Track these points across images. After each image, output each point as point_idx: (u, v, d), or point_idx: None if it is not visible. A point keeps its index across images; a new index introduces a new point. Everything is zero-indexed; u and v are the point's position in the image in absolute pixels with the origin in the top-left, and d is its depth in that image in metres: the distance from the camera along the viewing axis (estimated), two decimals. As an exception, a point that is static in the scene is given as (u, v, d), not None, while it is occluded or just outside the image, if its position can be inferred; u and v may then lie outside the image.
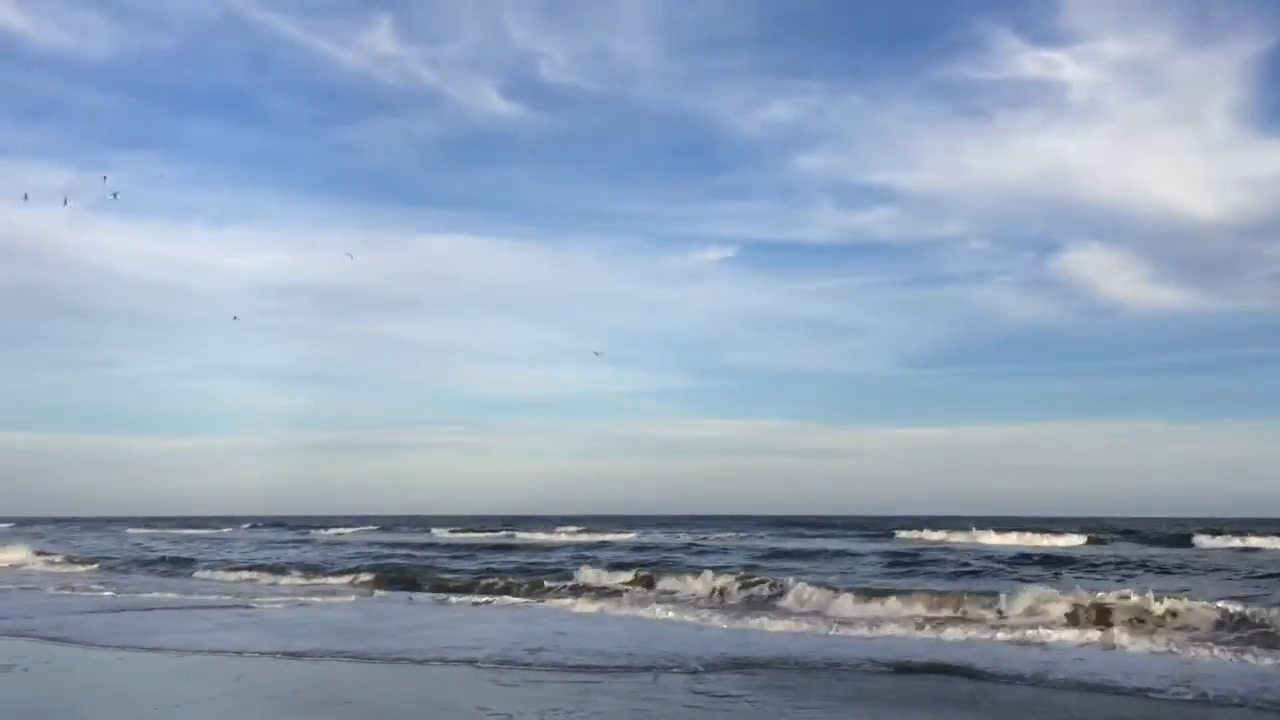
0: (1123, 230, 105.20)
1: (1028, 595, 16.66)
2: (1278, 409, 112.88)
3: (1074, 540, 43.88)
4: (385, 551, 39.36)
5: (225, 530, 74.08)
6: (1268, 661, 11.81)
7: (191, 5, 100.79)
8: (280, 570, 29.77)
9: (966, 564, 28.50)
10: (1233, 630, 14.20)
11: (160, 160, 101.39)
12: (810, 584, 19.85)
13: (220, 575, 28.96)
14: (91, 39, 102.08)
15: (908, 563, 29.15)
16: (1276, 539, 40.65)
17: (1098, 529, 51.98)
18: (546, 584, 23.24)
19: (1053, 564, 28.34)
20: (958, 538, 48.48)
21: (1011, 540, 45.90)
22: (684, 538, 51.21)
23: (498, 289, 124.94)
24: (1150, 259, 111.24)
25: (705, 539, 50.12)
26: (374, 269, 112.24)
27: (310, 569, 29.91)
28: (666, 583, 21.99)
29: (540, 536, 55.25)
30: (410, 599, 21.86)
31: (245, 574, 28.86)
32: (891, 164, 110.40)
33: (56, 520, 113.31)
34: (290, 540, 54.45)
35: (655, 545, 43.04)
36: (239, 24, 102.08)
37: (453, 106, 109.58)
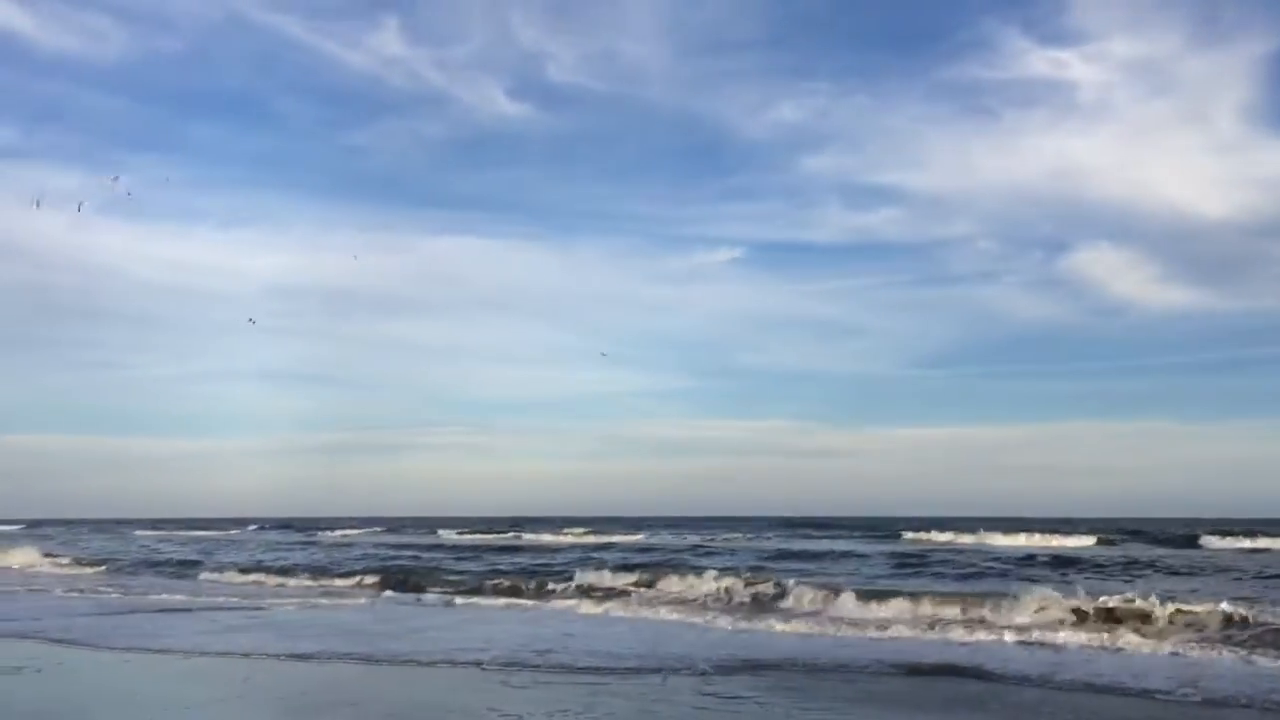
0: (1132, 230, 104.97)
1: (1035, 596, 16.64)
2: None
3: (1082, 541, 43.78)
4: (392, 553, 39.38)
5: (233, 532, 74.19)
6: (1276, 663, 11.79)
7: (198, 8, 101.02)
8: (287, 572, 29.85)
9: (973, 565, 28.46)
10: (1240, 631, 14.17)
11: (168, 163, 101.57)
12: (816, 585, 19.86)
13: (228, 577, 29.00)
14: (99, 42, 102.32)
15: (914, 564, 29.10)
16: (1285, 540, 40.54)
17: (1106, 530, 51.84)
18: (552, 585, 23.26)
19: (1060, 565, 28.27)
20: (965, 539, 48.41)
21: (1020, 541, 45.84)
22: (690, 539, 51.19)
23: (504, 290, 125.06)
24: (1159, 258, 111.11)
25: (712, 540, 50.12)
26: (381, 270, 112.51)
27: (317, 571, 29.96)
28: (672, 584, 21.97)
29: (546, 538, 55.27)
30: (417, 600, 21.89)
31: (252, 576, 28.92)
32: (899, 164, 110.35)
33: (65, 522, 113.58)
34: (297, 542, 54.52)
35: (661, 546, 43.04)
36: (246, 26, 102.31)
37: (460, 108, 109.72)
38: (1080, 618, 15.51)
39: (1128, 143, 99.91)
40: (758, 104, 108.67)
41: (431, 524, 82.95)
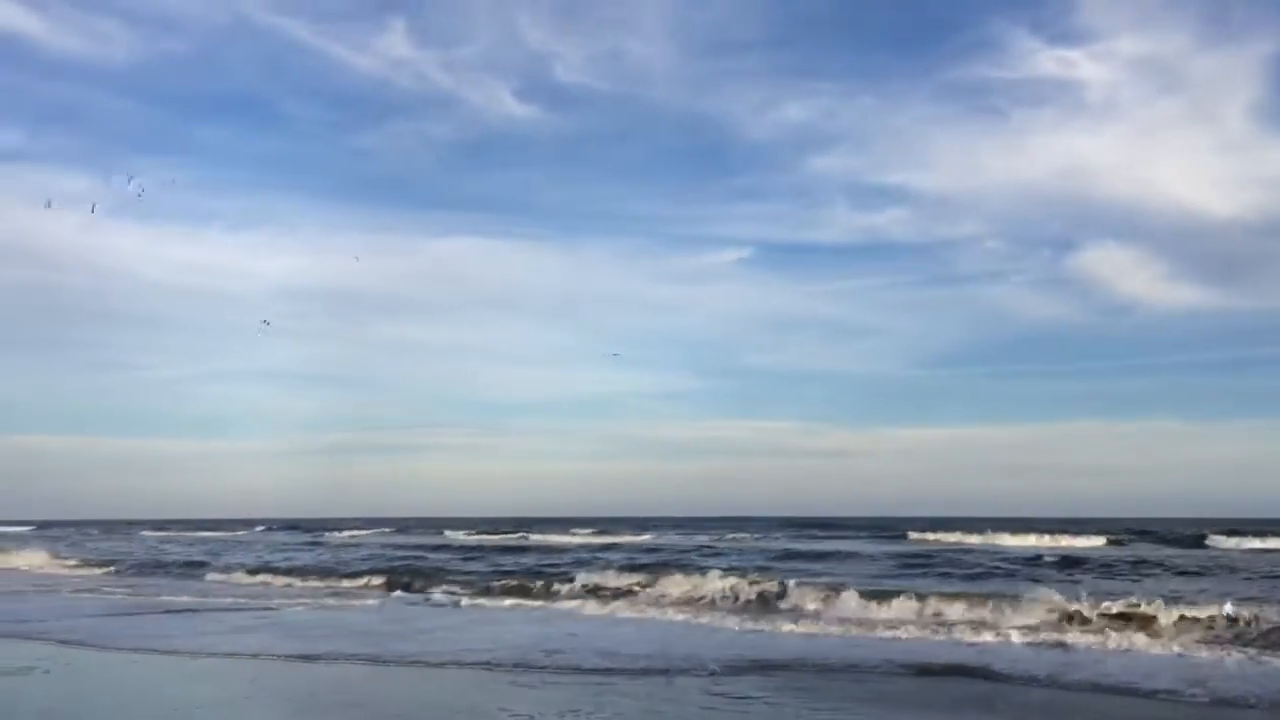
0: (1139, 229, 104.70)
1: (1043, 597, 16.60)
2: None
3: (1089, 541, 43.71)
4: (398, 554, 39.41)
5: (240, 533, 74.36)
6: (1286, 663, 11.75)
7: (206, 11, 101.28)
8: (294, 573, 29.88)
9: (980, 565, 28.44)
10: (1248, 631, 14.13)
11: (175, 165, 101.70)
12: (821, 586, 19.84)
13: (235, 578, 29.04)
14: (108, 45, 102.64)
15: (920, 564, 29.09)
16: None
17: (1113, 530, 51.74)
18: (559, 586, 23.27)
19: (1068, 565, 28.25)
20: (972, 539, 48.37)
21: (1028, 541, 45.78)
22: (697, 539, 51.20)
23: (511, 291, 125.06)
24: (1167, 257, 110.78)
25: (719, 540, 50.13)
26: (388, 271, 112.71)
27: (323, 572, 30.00)
28: (677, 584, 21.94)
29: (553, 538, 55.32)
30: (424, 601, 21.91)
31: (260, 577, 28.96)
32: (906, 164, 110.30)
33: (74, 523, 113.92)
34: (304, 543, 54.61)
35: (667, 546, 43.06)
36: (253, 29, 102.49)
37: (467, 109, 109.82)
38: (1087, 618, 15.46)
39: (1135, 142, 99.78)
40: (764, 104, 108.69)
41: (438, 525, 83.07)
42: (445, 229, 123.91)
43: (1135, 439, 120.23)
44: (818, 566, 28.94)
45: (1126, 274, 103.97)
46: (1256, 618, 14.40)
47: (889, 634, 14.88)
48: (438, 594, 22.99)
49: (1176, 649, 13.04)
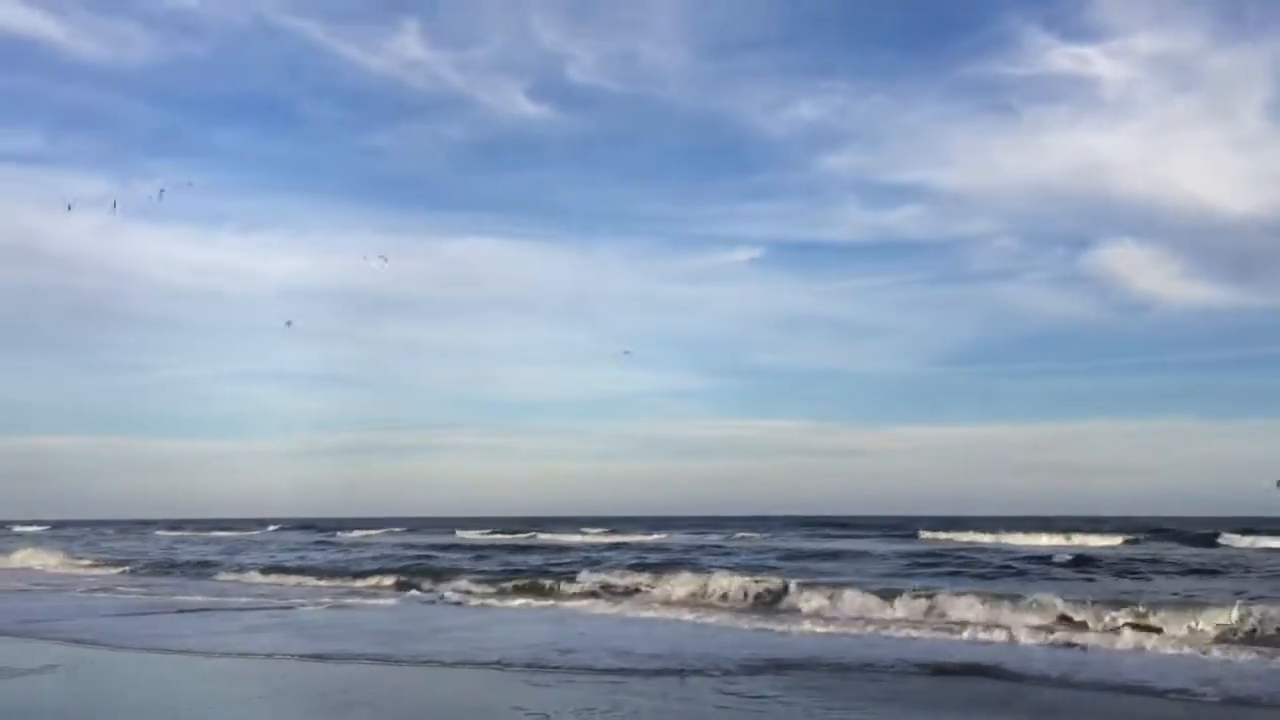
0: (1155, 226, 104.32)
1: (1055, 596, 16.58)
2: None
3: (1103, 540, 43.58)
4: (408, 553, 39.53)
5: (253, 533, 74.63)
6: (1298, 662, 11.72)
7: (224, 14, 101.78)
8: (306, 572, 30.00)
9: (990, 564, 28.41)
10: (1261, 631, 14.08)
11: (191, 167, 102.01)
12: (829, 585, 19.83)
13: (248, 577, 29.13)
14: (126, 48, 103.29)
15: (932, 564, 29.05)
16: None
17: (1127, 528, 51.49)
18: (569, 585, 23.30)
19: (1080, 564, 28.17)
20: (984, 538, 48.27)
21: (1040, 540, 45.66)
22: (709, 538, 51.23)
23: (524, 291, 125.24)
24: (1183, 255, 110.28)
25: (729, 540, 50.14)
26: (401, 272, 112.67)
27: (333, 572, 30.05)
28: (685, 583, 21.96)
29: (563, 538, 55.38)
30: (434, 600, 21.97)
31: (272, 577, 29.06)
32: (919, 162, 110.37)
33: (89, 523, 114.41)
34: (315, 542, 54.79)
35: (677, 546, 43.08)
36: (270, 31, 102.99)
37: (480, 109, 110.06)
38: (1099, 618, 15.42)
39: (1151, 139, 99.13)
40: (776, 103, 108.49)
41: (450, 524, 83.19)
42: (458, 229, 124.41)
43: (1151, 437, 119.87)
44: (828, 566, 28.93)
45: (1142, 272, 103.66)
46: (1269, 617, 14.31)
47: (901, 633, 14.89)
48: (447, 593, 23.05)
49: (1189, 648, 13.02)
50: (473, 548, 44.05)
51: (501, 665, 11.90)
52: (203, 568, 33.34)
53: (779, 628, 15.82)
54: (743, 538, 52.95)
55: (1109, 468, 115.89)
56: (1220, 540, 42.73)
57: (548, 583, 24.01)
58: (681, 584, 21.91)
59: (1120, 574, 25.52)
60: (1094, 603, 16.14)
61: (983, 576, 24.48)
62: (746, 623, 16.54)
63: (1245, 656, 12.32)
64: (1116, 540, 43.71)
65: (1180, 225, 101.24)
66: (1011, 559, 30.74)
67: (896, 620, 16.29)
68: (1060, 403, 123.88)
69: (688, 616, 17.62)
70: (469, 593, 23.02)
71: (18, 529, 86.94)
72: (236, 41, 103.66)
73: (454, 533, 66.97)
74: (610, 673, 11.30)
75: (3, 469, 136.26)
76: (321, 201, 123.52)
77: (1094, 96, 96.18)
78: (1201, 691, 9.97)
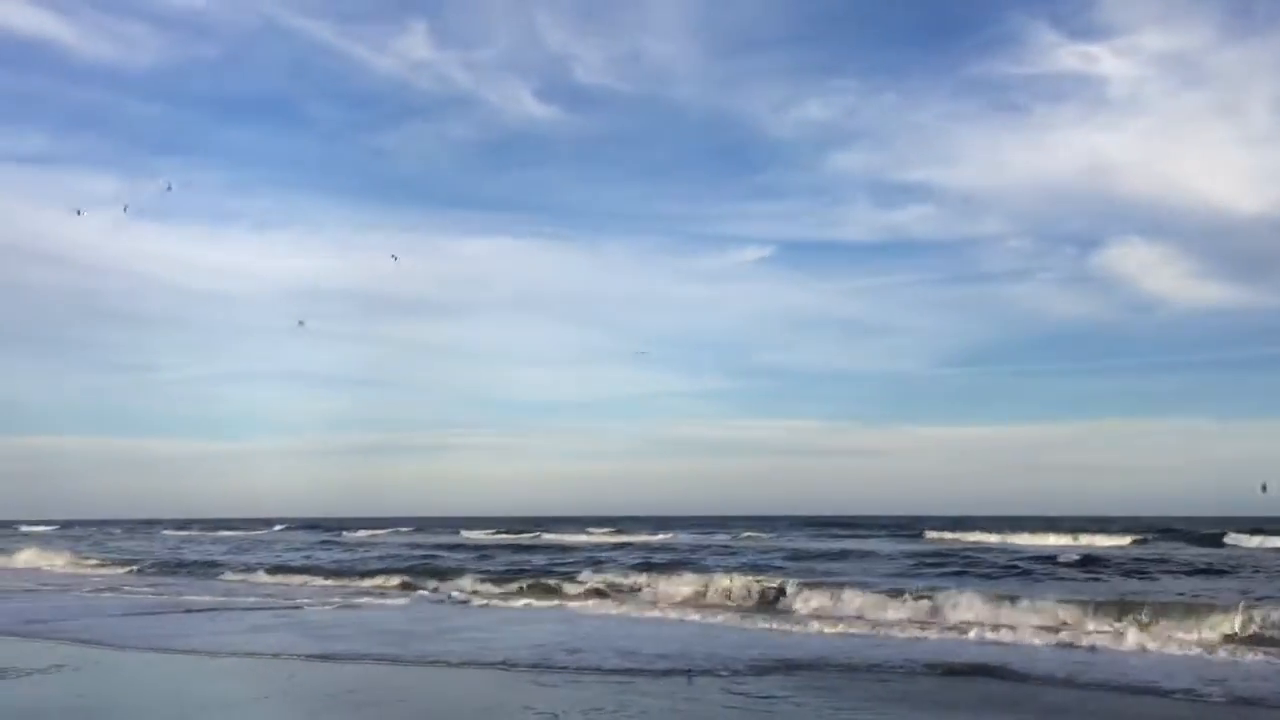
0: (1165, 225, 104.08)
1: (1060, 596, 16.55)
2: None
3: (1110, 540, 43.48)
4: (414, 553, 39.59)
5: (260, 532, 74.79)
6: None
7: (233, 14, 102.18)
8: (310, 571, 30.05)
9: (995, 564, 28.35)
10: (1266, 631, 14.05)
11: (200, 167, 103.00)
12: (831, 585, 19.81)
13: (255, 577, 29.17)
14: (136, 50, 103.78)
15: (937, 563, 29.04)
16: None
17: (1136, 529, 51.34)
18: (571, 586, 23.31)
19: (1085, 565, 28.13)
20: (990, 538, 48.21)
21: (1047, 540, 45.58)
22: (715, 538, 51.23)
23: (533, 291, 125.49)
24: (1194, 254, 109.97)
25: (735, 539, 50.15)
26: (411, 272, 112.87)
27: (339, 572, 30.09)
28: (688, 583, 21.97)
29: (568, 538, 55.41)
30: (438, 600, 21.98)
31: (278, 577, 29.11)
32: (928, 161, 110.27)
33: (97, 522, 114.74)
34: (320, 542, 54.90)
35: (682, 546, 43.09)
36: (279, 32, 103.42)
37: (488, 110, 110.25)
38: (1106, 618, 15.39)
39: (1159, 137, 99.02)
40: (785, 102, 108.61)
41: (456, 524, 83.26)
42: (467, 229, 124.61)
43: (1161, 437, 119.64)
44: (834, 566, 28.93)
45: (1152, 271, 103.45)
46: (1275, 618, 14.27)
47: (908, 634, 14.87)
48: (453, 593, 23.08)
49: (1195, 649, 13.00)
50: (477, 548, 44.11)
51: (508, 665, 11.91)
52: (209, 567, 33.42)
53: (785, 628, 15.83)
54: (749, 537, 52.96)
55: (1119, 467, 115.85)
56: (1227, 540, 42.60)
57: (551, 582, 24.03)
58: (684, 584, 21.94)
59: (1127, 574, 25.49)
60: (1099, 603, 16.11)
61: (988, 577, 24.45)
62: (752, 623, 16.56)
63: (1252, 657, 12.31)
64: (1123, 540, 43.62)
65: (1189, 224, 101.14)
66: (1017, 559, 30.69)
67: (902, 621, 16.29)
68: (1070, 402, 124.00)
69: (693, 617, 17.62)
70: (474, 593, 23.05)
71: (25, 529, 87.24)
72: (245, 42, 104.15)
73: (459, 532, 67.01)
74: (617, 673, 11.30)
75: (11, 469, 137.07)
76: (330, 201, 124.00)
77: (1101, 95, 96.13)
78: (1207, 692, 9.97)
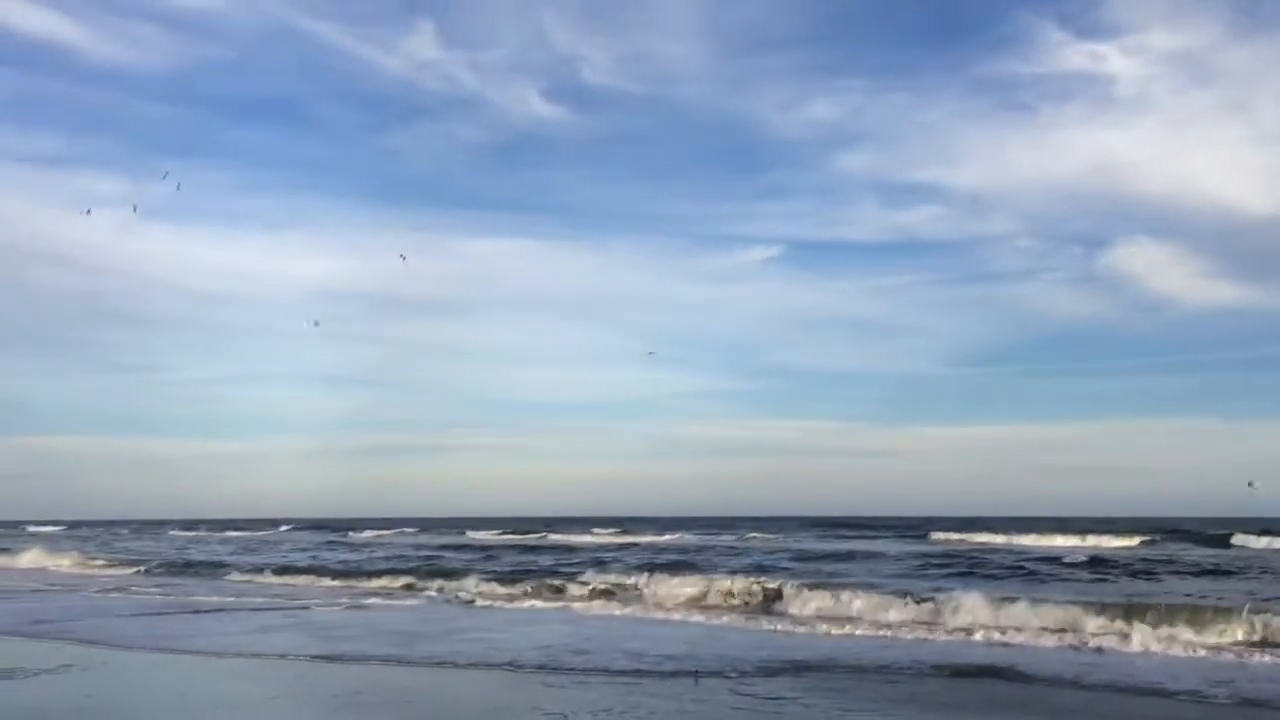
0: (1173, 225, 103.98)
1: (1066, 597, 16.52)
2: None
3: (1118, 541, 43.36)
4: (419, 554, 39.63)
5: (266, 533, 74.91)
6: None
7: (243, 16, 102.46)
8: (317, 572, 30.08)
9: (1000, 565, 28.30)
10: (1275, 634, 14.01)
11: (210, 168, 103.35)
12: (841, 587, 19.78)
13: (262, 578, 29.24)
14: (146, 51, 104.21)
15: (943, 564, 28.98)
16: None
17: (1144, 529, 51.14)
18: (574, 586, 23.33)
19: (1094, 565, 28.07)
20: (997, 539, 48.15)
21: (1055, 542, 45.47)
22: (721, 539, 51.21)
23: (541, 291, 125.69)
24: (1203, 253, 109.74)
25: (741, 540, 50.13)
26: (419, 272, 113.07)
27: (345, 572, 30.13)
28: (692, 585, 21.98)
29: (574, 538, 55.42)
30: (445, 601, 22.00)
31: (284, 577, 29.16)
32: (936, 161, 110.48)
33: (105, 523, 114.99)
34: (325, 542, 54.98)
35: (689, 546, 43.09)
36: (288, 33, 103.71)
37: (495, 110, 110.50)
38: (1111, 620, 15.36)
39: (1167, 136, 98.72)
40: (793, 102, 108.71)
41: (463, 525, 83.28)
42: (475, 229, 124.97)
43: (1170, 438, 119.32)
44: (840, 567, 28.89)
45: (1160, 271, 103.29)
46: (1268, 626, 14.20)
47: (915, 635, 14.87)
48: (457, 593, 23.10)
49: (1203, 651, 12.98)
50: (483, 548, 44.13)
51: (515, 667, 11.93)
52: (216, 568, 33.50)
53: (792, 629, 15.84)
54: (754, 538, 52.92)
55: (1127, 468, 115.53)
56: (1234, 541, 42.49)
57: (555, 583, 24.04)
58: (686, 585, 21.95)
59: (1134, 575, 25.43)
60: (1106, 604, 16.08)
61: (993, 578, 24.42)
62: (759, 624, 16.56)
63: (1258, 658, 12.30)
64: (1131, 541, 43.49)
65: (1198, 223, 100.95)
66: (1024, 560, 30.63)
67: (909, 622, 16.26)
68: (1077, 402, 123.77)
69: (699, 618, 17.63)
70: (479, 593, 23.07)
71: (33, 529, 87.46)
72: (254, 44, 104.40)
73: (464, 533, 67.04)
74: (625, 674, 11.32)
75: (20, 469, 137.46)
76: (339, 202, 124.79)
77: (1109, 94, 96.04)
78: (1213, 693, 9.97)
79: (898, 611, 17.06)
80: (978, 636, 14.54)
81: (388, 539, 60.45)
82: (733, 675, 11.14)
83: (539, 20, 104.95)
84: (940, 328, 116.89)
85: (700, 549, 40.19)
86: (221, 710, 9.64)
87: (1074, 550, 36.94)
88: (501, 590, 23.45)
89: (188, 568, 34.32)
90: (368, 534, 67.53)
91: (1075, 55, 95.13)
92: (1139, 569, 27.04)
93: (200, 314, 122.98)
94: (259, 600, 21.71)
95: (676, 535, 57.09)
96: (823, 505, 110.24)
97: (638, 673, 11.38)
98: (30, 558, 39.59)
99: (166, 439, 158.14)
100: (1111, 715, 9.27)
